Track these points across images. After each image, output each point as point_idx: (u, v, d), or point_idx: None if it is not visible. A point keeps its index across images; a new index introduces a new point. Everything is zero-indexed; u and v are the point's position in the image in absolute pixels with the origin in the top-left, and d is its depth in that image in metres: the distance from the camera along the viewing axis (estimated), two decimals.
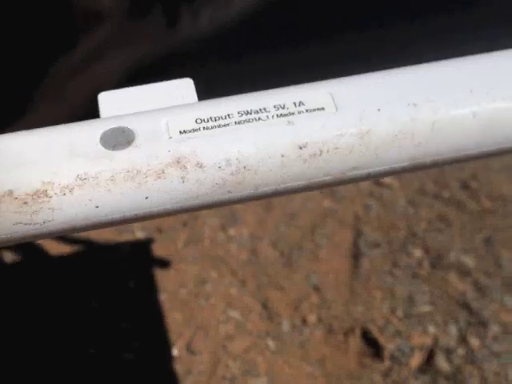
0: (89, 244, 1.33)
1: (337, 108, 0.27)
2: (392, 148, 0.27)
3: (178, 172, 0.26)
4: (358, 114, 0.27)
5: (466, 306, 1.22)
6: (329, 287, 1.27)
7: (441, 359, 1.16)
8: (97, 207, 0.25)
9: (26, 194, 0.25)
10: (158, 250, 1.32)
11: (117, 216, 0.25)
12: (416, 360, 1.17)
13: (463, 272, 1.27)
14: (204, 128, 0.27)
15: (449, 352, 1.17)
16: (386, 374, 1.16)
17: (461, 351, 1.17)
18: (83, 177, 0.25)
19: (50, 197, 0.25)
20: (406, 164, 0.27)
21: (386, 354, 1.18)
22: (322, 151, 0.26)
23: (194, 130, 0.27)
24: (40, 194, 0.25)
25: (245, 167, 0.26)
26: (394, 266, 1.28)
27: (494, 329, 1.19)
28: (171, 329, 1.21)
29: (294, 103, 0.27)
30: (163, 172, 0.25)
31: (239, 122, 0.27)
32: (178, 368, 1.17)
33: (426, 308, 1.23)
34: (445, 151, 0.27)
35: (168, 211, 0.26)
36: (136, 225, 1.35)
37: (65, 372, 1.16)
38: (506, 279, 1.25)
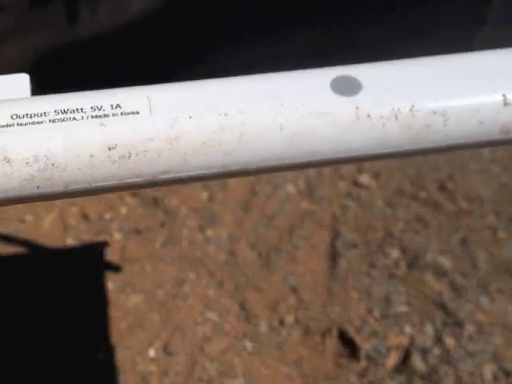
0: (64, 244, 1.33)
1: (151, 113, 0.28)
2: (200, 154, 0.28)
3: None
4: (170, 120, 0.28)
5: (442, 306, 1.23)
6: (306, 288, 1.27)
7: (417, 359, 1.17)
8: None
9: None
10: (136, 250, 1.32)
11: None
12: (392, 360, 1.18)
13: (439, 272, 1.27)
14: (18, 124, 0.28)
15: (425, 352, 1.18)
16: (362, 375, 1.16)
17: (436, 351, 1.18)
18: None
19: None
20: (215, 170, 0.29)
21: (363, 354, 1.18)
22: (131, 154, 0.27)
23: (8, 126, 0.28)
24: None
25: (53, 164, 0.27)
26: (371, 267, 1.29)
27: (470, 329, 1.20)
28: (148, 330, 1.21)
29: (111, 105, 0.28)
30: None
31: (53, 121, 0.28)
32: (155, 369, 1.17)
33: (403, 308, 1.23)
34: (251, 161, 0.29)
35: None
36: (113, 226, 1.35)
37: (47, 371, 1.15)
38: (481, 280, 1.26)
